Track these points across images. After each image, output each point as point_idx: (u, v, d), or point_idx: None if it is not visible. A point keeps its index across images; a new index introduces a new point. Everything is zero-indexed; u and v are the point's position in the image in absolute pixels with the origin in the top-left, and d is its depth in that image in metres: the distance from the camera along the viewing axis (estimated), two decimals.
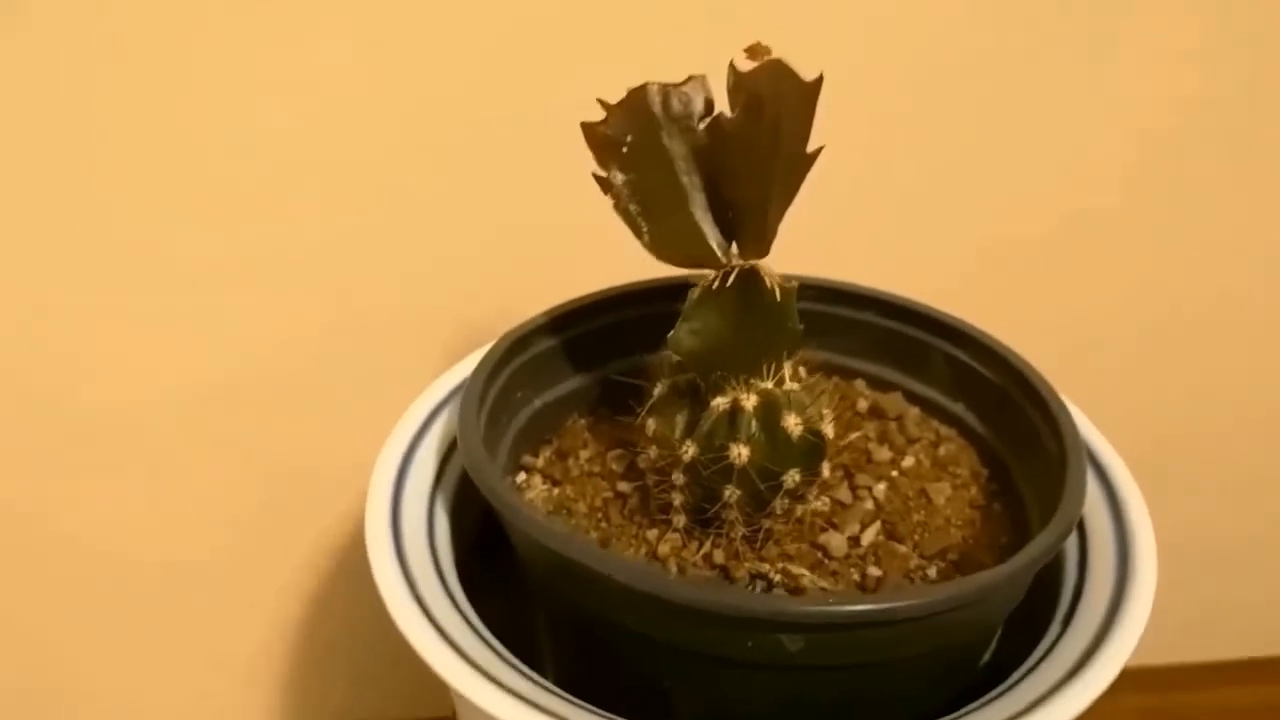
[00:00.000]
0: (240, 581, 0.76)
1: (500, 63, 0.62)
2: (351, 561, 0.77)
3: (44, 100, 0.58)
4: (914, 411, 0.56)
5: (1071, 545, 0.48)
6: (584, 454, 0.53)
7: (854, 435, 0.53)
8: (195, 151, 0.61)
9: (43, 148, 0.59)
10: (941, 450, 0.54)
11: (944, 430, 0.55)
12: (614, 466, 0.51)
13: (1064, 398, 0.50)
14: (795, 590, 0.44)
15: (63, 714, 0.77)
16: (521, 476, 0.52)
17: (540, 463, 0.53)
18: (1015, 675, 0.42)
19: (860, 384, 0.58)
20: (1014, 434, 0.52)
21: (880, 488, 0.50)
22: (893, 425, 0.55)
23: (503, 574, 0.48)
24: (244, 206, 0.63)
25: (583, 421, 0.56)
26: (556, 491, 0.51)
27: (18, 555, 0.70)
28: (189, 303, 0.65)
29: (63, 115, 0.59)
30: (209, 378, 0.68)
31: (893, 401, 0.56)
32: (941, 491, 0.50)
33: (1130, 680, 0.41)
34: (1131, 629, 0.42)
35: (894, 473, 0.52)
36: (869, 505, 0.49)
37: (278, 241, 0.65)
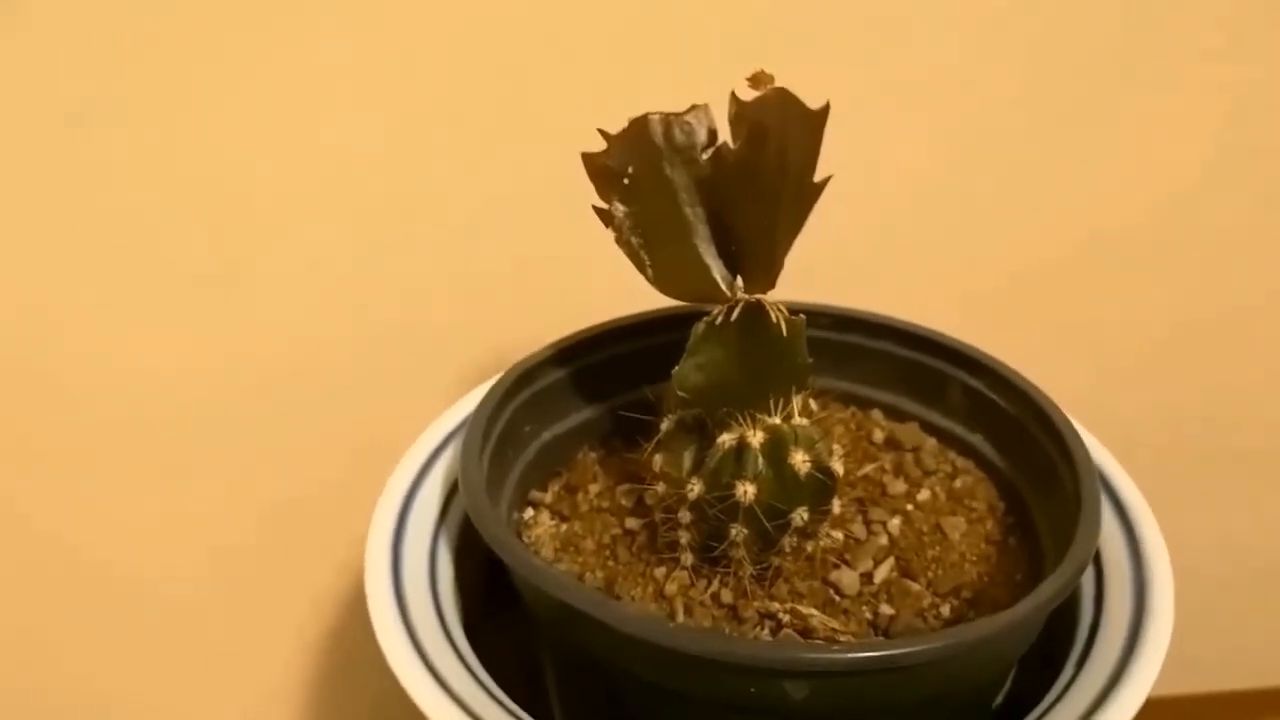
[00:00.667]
0: (242, 583, 0.75)
1: (508, 93, 0.62)
2: (355, 573, 0.77)
3: (45, 100, 0.58)
4: (931, 443, 0.55)
5: (1088, 579, 0.46)
6: (593, 488, 0.52)
7: (869, 467, 0.53)
8: (197, 155, 0.61)
9: (45, 147, 0.59)
10: (958, 483, 0.53)
11: (961, 462, 0.54)
12: (623, 501, 0.50)
13: (1080, 427, 0.49)
14: (804, 631, 0.43)
15: (64, 715, 0.77)
16: (529, 513, 0.51)
17: (548, 498, 0.53)
18: (1028, 718, 0.40)
19: (877, 414, 0.57)
20: (1031, 467, 0.51)
21: (895, 522, 0.49)
22: (909, 457, 0.54)
23: (508, 615, 0.47)
24: (251, 215, 0.63)
25: (593, 454, 0.55)
26: (564, 528, 0.50)
27: (20, 557, 0.70)
28: (193, 309, 0.65)
29: (64, 114, 0.58)
30: (215, 383, 0.67)
31: (909, 432, 0.55)
32: (957, 526, 0.49)
33: (1150, 711, 0.40)
34: (1147, 671, 0.40)
35: (909, 506, 0.51)
36: (883, 541, 0.48)
37: (287, 256, 0.65)
